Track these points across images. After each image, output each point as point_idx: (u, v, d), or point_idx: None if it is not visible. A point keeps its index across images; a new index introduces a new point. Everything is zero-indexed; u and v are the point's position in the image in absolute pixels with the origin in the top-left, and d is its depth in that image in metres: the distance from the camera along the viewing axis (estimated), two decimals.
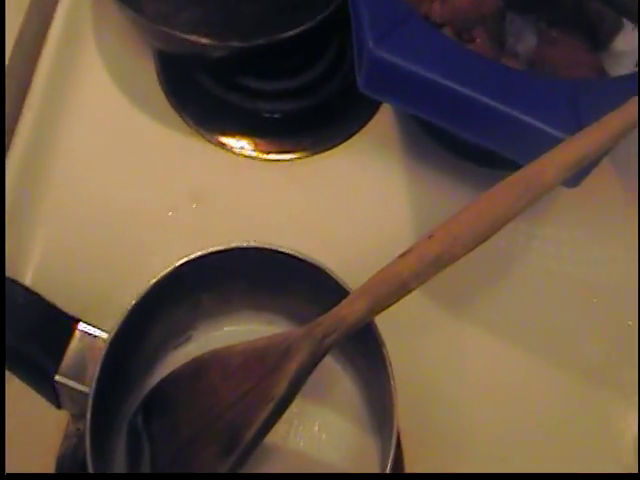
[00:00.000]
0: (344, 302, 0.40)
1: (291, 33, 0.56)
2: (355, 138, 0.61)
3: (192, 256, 0.42)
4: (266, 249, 0.43)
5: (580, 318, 0.56)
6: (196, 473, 0.40)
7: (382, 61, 0.49)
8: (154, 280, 0.42)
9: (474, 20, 0.60)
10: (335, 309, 0.40)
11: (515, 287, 0.57)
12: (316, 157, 0.60)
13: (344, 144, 0.61)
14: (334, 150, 0.60)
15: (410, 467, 0.49)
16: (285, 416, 0.41)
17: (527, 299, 0.56)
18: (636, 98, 0.46)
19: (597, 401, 0.53)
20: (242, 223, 0.56)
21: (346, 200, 0.59)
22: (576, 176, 0.48)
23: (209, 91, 0.61)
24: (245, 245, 0.43)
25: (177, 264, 0.42)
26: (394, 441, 0.39)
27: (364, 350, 0.43)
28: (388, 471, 0.38)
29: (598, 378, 0.54)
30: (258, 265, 0.44)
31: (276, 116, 0.61)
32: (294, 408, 0.44)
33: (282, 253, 0.43)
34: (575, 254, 0.59)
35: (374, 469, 0.43)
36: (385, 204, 0.59)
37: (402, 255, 0.41)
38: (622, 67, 0.59)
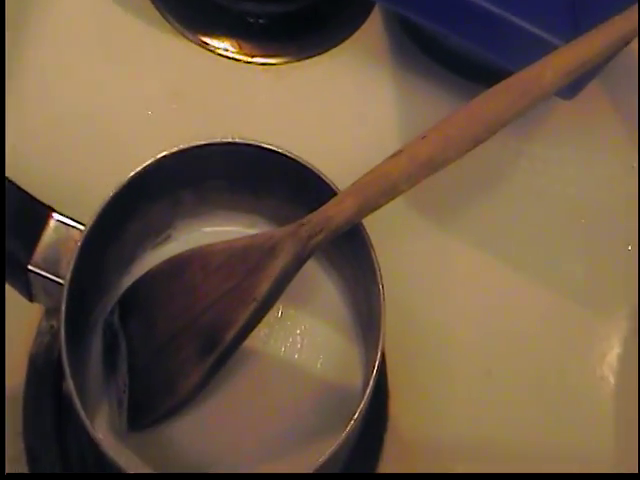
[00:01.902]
0: (332, 201, 0.38)
1: None
2: (342, 46, 0.58)
3: (172, 150, 0.40)
4: (249, 144, 0.41)
5: (567, 237, 0.55)
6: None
7: None
8: (131, 173, 0.39)
9: None
10: (322, 208, 0.38)
11: (502, 204, 0.55)
12: (302, 63, 0.57)
13: (330, 52, 0.58)
14: (320, 57, 0.58)
15: (393, 381, 0.48)
16: (266, 319, 0.40)
17: (514, 216, 0.55)
18: (636, 6, 0.44)
19: (581, 320, 0.52)
20: (223, 125, 0.53)
21: (332, 107, 0.57)
22: (572, 86, 0.47)
23: None
24: (226, 140, 0.41)
25: (156, 157, 0.40)
26: (380, 348, 0.37)
27: (350, 254, 0.41)
28: (372, 379, 0.37)
29: (582, 297, 0.53)
30: (240, 162, 0.42)
31: (262, 20, 0.58)
32: (275, 312, 0.43)
33: (265, 149, 0.41)
34: (563, 173, 0.57)
35: (357, 377, 0.42)
36: (371, 112, 0.57)
37: (393, 155, 0.39)
38: None
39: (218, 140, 0.41)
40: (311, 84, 0.57)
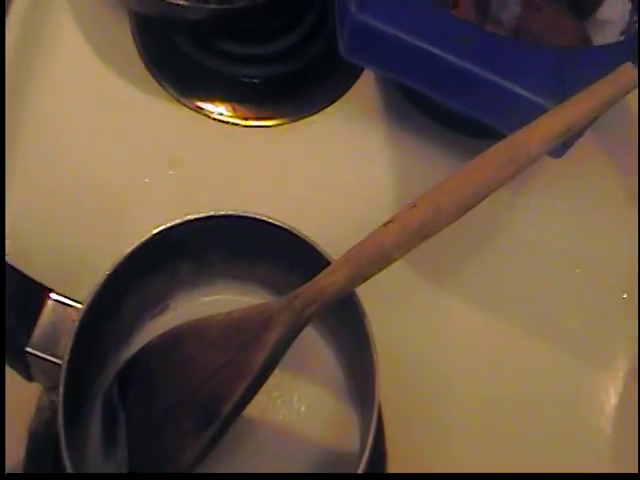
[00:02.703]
0: (325, 272, 0.39)
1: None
2: (336, 105, 0.59)
3: (168, 225, 0.41)
4: (244, 217, 0.42)
5: (562, 288, 0.55)
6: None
7: (364, 25, 0.48)
8: (129, 250, 0.40)
9: None
10: (315, 279, 0.39)
11: (497, 257, 0.56)
12: (296, 124, 0.58)
13: (325, 111, 0.59)
14: (314, 117, 0.58)
15: (391, 439, 0.48)
16: (264, 388, 0.40)
17: (509, 269, 0.55)
18: (624, 66, 0.45)
19: (578, 372, 0.53)
20: (220, 190, 0.54)
21: (327, 168, 0.57)
22: (561, 146, 0.48)
23: (187, 54, 0.59)
24: (222, 213, 0.42)
25: (153, 232, 0.41)
26: (375, 415, 0.38)
27: (345, 321, 0.42)
28: (369, 445, 0.37)
29: (579, 349, 0.54)
30: (236, 233, 0.43)
31: (255, 81, 0.59)
32: (273, 380, 0.43)
33: (260, 221, 0.42)
34: (557, 225, 0.58)
35: (354, 442, 0.42)
36: (367, 172, 0.57)
37: (385, 224, 0.40)
38: (606, 36, 0.57)
39: (213, 213, 0.42)
40: (306, 145, 0.58)
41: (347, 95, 0.59)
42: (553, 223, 0.58)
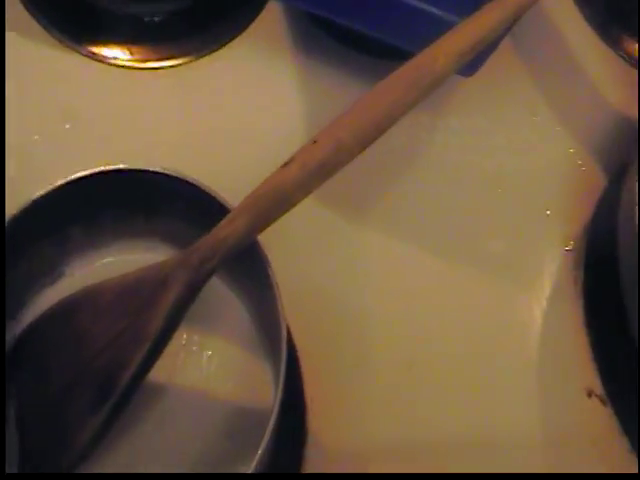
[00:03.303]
0: (223, 222, 0.36)
1: None
2: (242, 37, 0.55)
3: (50, 188, 0.38)
4: (134, 170, 0.38)
5: (485, 211, 0.53)
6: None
7: None
8: (9, 216, 0.37)
9: None
10: (213, 231, 0.36)
11: (417, 184, 0.53)
12: (200, 61, 0.54)
13: (230, 45, 0.55)
14: (219, 52, 0.54)
15: (311, 387, 0.45)
16: (170, 350, 0.38)
17: (430, 196, 0.53)
18: None
19: (503, 295, 0.51)
20: (120, 142, 0.50)
21: (234, 107, 0.53)
22: (472, 63, 0.45)
23: None
24: (111, 168, 0.38)
25: (33, 198, 0.37)
26: (283, 367, 0.35)
27: (251, 271, 0.39)
28: (279, 397, 0.35)
29: (504, 272, 0.52)
30: (129, 189, 0.39)
31: (153, 19, 0.54)
32: (179, 340, 0.41)
33: (153, 173, 0.38)
34: (479, 144, 0.55)
35: (269, 395, 0.40)
36: (277, 108, 0.54)
37: (284, 165, 0.37)
38: None
39: (99, 169, 0.38)
40: (211, 83, 0.54)
41: (253, 26, 0.55)
42: (475, 143, 0.55)
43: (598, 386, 0.49)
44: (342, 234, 0.51)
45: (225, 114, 0.53)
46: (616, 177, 0.55)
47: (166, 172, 0.38)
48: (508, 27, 0.42)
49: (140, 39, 0.54)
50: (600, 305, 0.52)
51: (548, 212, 0.54)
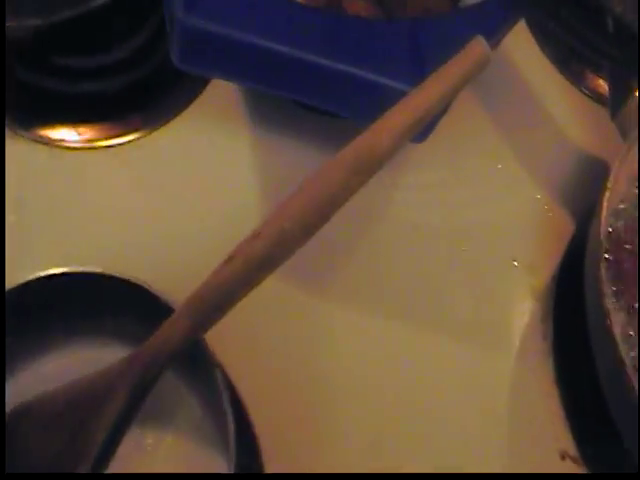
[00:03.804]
0: (164, 325, 0.36)
1: (100, 1, 0.49)
2: (193, 106, 0.54)
3: None
4: (78, 273, 0.38)
5: (450, 268, 0.52)
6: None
7: (195, 30, 0.43)
8: None
9: None
10: (157, 333, 0.36)
11: (378, 246, 0.52)
12: (150, 137, 0.53)
13: (180, 116, 0.54)
14: (170, 125, 0.53)
15: (272, 468, 0.44)
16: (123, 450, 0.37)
17: (392, 258, 0.52)
18: (474, 42, 0.41)
19: (471, 356, 0.50)
20: (67, 230, 0.49)
21: (189, 182, 0.52)
22: (421, 133, 0.44)
23: (18, 78, 0.53)
24: (55, 272, 0.38)
25: None
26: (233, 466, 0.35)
27: (200, 368, 0.38)
28: None
29: (471, 330, 0.51)
30: (75, 291, 0.39)
31: (98, 96, 0.54)
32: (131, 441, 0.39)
33: (96, 275, 0.38)
34: (442, 199, 0.54)
35: None
36: (229, 179, 0.53)
37: (226, 261, 0.36)
38: None
39: (47, 273, 0.38)
40: (162, 159, 0.53)
41: (201, 97, 0.54)
42: (437, 199, 0.54)
43: (572, 447, 0.48)
44: (302, 308, 0.50)
45: (177, 193, 0.52)
46: (583, 221, 0.54)
47: (108, 274, 0.38)
48: (455, 94, 0.41)
49: (87, 118, 0.53)
50: (570, 361, 0.51)
51: (515, 263, 0.53)
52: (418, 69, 0.44)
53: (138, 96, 0.54)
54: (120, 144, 0.53)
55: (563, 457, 0.48)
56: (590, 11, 0.43)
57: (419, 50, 0.45)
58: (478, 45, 0.40)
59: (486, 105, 0.58)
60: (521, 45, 0.60)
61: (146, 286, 0.38)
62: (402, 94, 0.40)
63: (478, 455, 0.47)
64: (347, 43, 0.44)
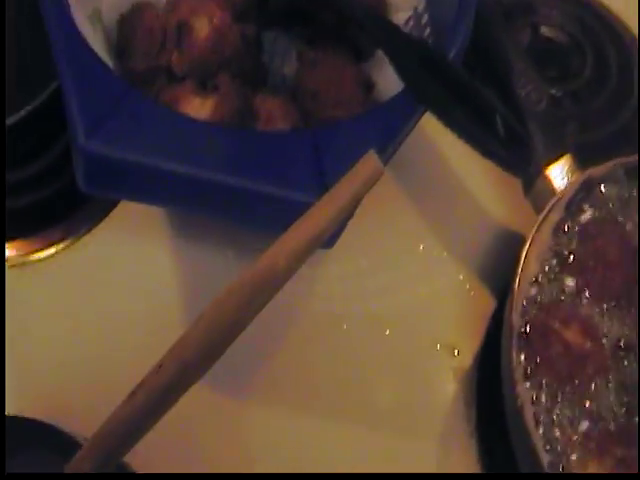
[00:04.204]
0: (70, 464, 0.36)
1: (10, 121, 0.50)
2: (110, 217, 0.55)
3: None
4: None
5: (372, 356, 0.53)
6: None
7: (97, 156, 0.44)
8: None
9: (216, 65, 0.55)
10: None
11: (300, 342, 0.53)
12: (70, 249, 0.54)
13: (99, 226, 0.55)
14: (89, 236, 0.55)
15: None
16: None
17: (314, 352, 0.53)
18: (366, 157, 0.42)
19: (395, 445, 0.51)
20: None
21: (112, 294, 0.53)
22: (328, 239, 0.45)
23: None
24: None
25: None
26: None
27: None
28: None
29: (395, 420, 0.52)
30: None
31: (14, 212, 0.54)
32: None
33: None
34: (363, 287, 0.56)
35: None
36: (153, 285, 0.54)
37: (130, 396, 0.37)
38: (387, 74, 0.55)
39: None
40: (83, 272, 0.54)
41: (119, 206, 0.56)
42: (358, 287, 0.56)
43: None
44: (223, 412, 0.50)
45: (100, 309, 0.53)
46: (502, 299, 0.56)
47: (19, 416, 0.38)
48: (354, 208, 0.42)
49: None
50: (492, 444, 0.52)
51: (438, 346, 0.54)
52: (319, 180, 0.46)
53: (51, 211, 0.55)
54: (36, 260, 0.54)
55: None
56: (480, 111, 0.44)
57: (320, 161, 0.46)
58: (370, 161, 0.42)
59: (404, 184, 0.59)
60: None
61: (55, 424, 0.38)
62: (306, 205, 0.42)
63: None
64: (250, 159, 0.45)
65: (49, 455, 0.39)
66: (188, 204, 0.46)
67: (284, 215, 0.41)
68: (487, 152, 0.45)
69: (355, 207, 0.43)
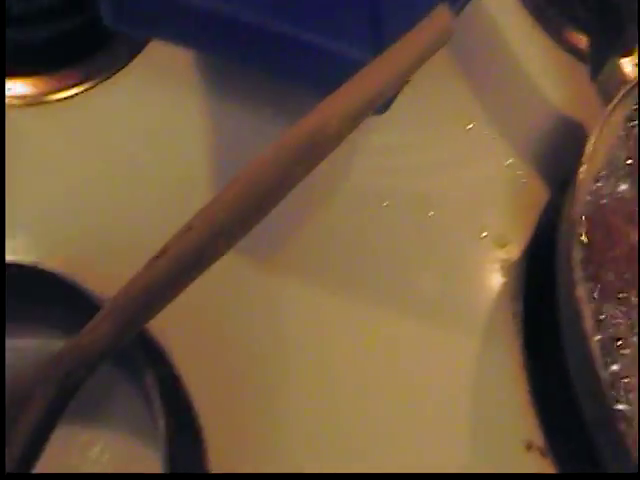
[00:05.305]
0: (88, 326, 0.34)
1: None
2: (135, 62, 0.52)
3: None
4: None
5: (414, 238, 0.51)
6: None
7: None
8: None
9: None
10: (78, 337, 0.35)
11: (336, 215, 0.50)
12: (88, 94, 0.51)
13: (124, 71, 0.52)
14: (111, 81, 0.51)
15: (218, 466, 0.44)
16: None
17: (351, 227, 0.50)
18: (439, 10, 0.39)
19: (434, 336, 0.49)
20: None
21: (128, 146, 0.50)
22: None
23: None
24: None
25: None
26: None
27: (133, 363, 0.37)
28: None
29: (435, 307, 0.49)
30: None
31: (30, 46, 0.51)
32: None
33: (24, 267, 0.37)
34: (406, 163, 0.53)
35: None
36: (177, 142, 0.51)
37: (157, 256, 0.35)
38: None
39: None
40: (102, 119, 0.51)
41: (146, 50, 0.52)
42: (400, 163, 0.53)
43: (538, 437, 0.47)
44: (254, 285, 0.48)
45: (115, 157, 0.50)
46: (558, 190, 0.53)
47: (38, 267, 0.37)
48: (415, 71, 0.39)
49: (16, 72, 0.50)
50: (540, 345, 0.50)
51: (484, 234, 0.52)
52: (376, 36, 0.42)
53: (72, 48, 0.52)
54: (55, 101, 0.51)
55: (529, 447, 0.47)
56: None
57: (378, 16, 0.43)
58: (442, 14, 0.38)
59: (457, 60, 0.56)
60: None
61: (74, 280, 0.37)
62: (358, 63, 0.38)
63: (439, 438, 0.47)
64: (300, 6, 0.42)
65: (67, 309, 0.37)
66: (227, 50, 0.43)
67: (332, 73, 0.38)
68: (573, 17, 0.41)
69: (414, 72, 0.39)
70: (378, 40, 0.42)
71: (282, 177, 0.35)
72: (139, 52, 0.52)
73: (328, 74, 0.40)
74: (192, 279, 0.35)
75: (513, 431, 0.47)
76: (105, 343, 0.34)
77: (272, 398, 0.46)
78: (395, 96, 0.44)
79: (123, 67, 0.52)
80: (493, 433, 0.47)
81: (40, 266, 0.37)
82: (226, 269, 0.46)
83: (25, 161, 0.49)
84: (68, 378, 0.34)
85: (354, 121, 0.36)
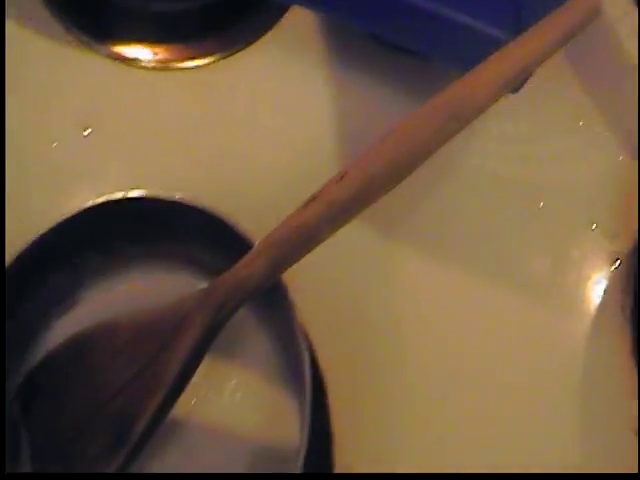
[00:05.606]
0: (243, 261, 0.37)
1: None
2: (270, 35, 0.55)
3: (70, 214, 0.38)
4: (150, 199, 0.39)
5: (525, 225, 0.52)
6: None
7: None
8: (26, 244, 0.37)
9: None
10: (233, 269, 0.37)
11: (453, 195, 0.52)
12: (225, 61, 0.54)
13: (257, 43, 0.54)
14: (246, 51, 0.54)
15: (339, 417, 0.45)
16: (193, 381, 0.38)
17: (466, 208, 0.52)
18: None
19: (544, 320, 0.50)
20: (140, 152, 0.50)
21: (264, 112, 0.53)
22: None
23: None
24: (125, 196, 0.39)
25: (52, 226, 0.38)
26: (309, 404, 0.36)
27: (276, 306, 0.39)
28: (305, 440, 0.36)
29: (545, 293, 0.51)
30: (145, 216, 0.40)
31: (175, 16, 0.54)
32: (201, 370, 0.41)
33: (170, 202, 0.39)
34: (520, 152, 0.54)
35: (294, 427, 0.40)
36: (307, 110, 0.53)
37: (309, 201, 0.37)
38: None
39: (118, 196, 0.39)
40: (237, 86, 0.54)
41: (280, 23, 0.55)
42: (515, 151, 0.54)
43: None
44: (373, 251, 0.50)
45: (252, 121, 0.53)
46: None
47: (183, 202, 0.39)
48: (555, 52, 0.41)
49: (162, 38, 0.54)
50: None
51: (594, 226, 0.53)
52: (516, 18, 0.44)
53: (215, 19, 0.55)
54: (194, 67, 0.54)
55: (637, 433, 0.48)
56: None
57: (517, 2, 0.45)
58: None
59: (573, 60, 0.57)
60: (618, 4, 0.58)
61: (222, 217, 0.39)
62: (498, 41, 0.40)
63: (546, 427, 0.48)
64: None
65: (212, 246, 0.39)
66: (368, 18, 0.45)
67: (470, 50, 0.40)
68: None
69: (558, 50, 0.41)
70: (518, 19, 0.43)
71: (432, 136, 0.37)
72: (273, 25, 0.55)
73: (467, 51, 0.41)
74: (341, 225, 0.37)
75: (621, 416, 0.48)
76: (260, 276, 0.36)
77: (386, 355, 0.48)
78: (528, 77, 0.45)
79: (257, 40, 0.54)
80: (601, 418, 0.48)
81: (193, 203, 0.39)
82: (347, 239, 0.49)
83: (164, 118, 0.52)
84: (222, 309, 0.36)
85: (501, 90, 0.38)
